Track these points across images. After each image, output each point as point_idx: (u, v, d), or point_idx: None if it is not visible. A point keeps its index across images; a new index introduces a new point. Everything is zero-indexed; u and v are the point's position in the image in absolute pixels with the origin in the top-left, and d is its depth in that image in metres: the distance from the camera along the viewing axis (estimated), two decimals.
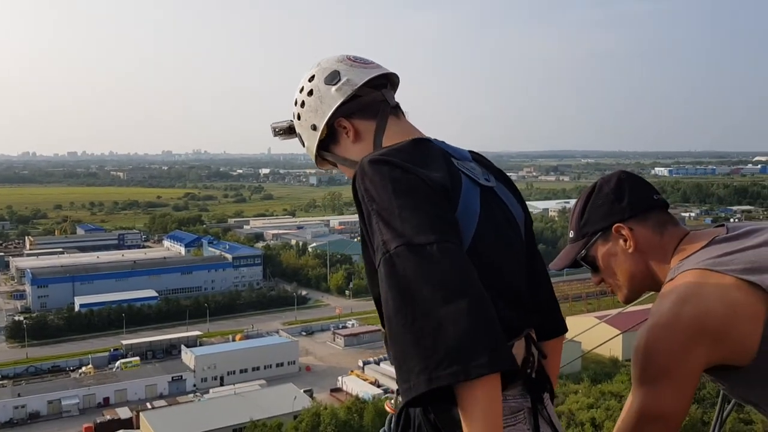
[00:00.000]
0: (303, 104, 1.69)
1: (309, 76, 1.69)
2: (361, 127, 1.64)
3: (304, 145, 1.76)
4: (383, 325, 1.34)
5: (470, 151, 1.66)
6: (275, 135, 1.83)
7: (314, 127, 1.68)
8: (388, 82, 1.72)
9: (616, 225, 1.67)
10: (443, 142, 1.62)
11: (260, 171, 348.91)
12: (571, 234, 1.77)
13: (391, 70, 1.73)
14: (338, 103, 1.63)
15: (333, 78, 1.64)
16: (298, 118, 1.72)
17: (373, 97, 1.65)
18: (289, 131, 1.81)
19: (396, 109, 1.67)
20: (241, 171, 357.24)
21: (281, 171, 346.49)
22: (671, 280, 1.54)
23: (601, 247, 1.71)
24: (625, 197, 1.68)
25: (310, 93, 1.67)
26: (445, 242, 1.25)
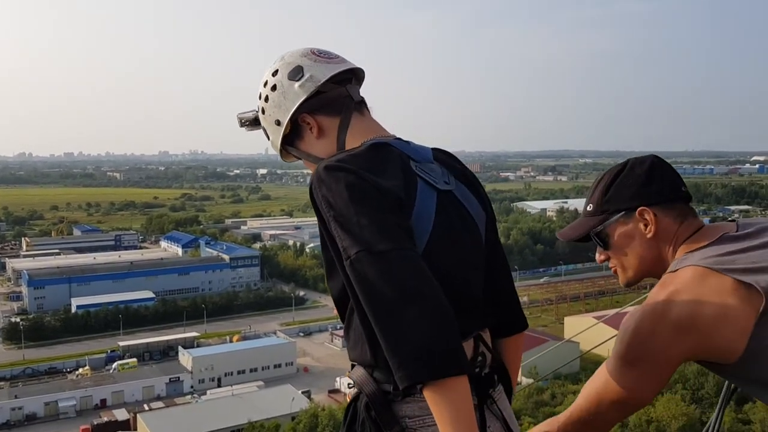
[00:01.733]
0: (267, 99, 1.68)
1: (272, 71, 1.67)
2: (324, 123, 1.64)
3: (269, 139, 1.73)
4: (342, 321, 1.52)
5: (435, 149, 1.65)
6: (241, 126, 1.80)
7: (278, 122, 1.68)
8: (353, 76, 1.70)
9: (641, 208, 1.66)
10: (407, 142, 1.62)
11: (257, 171, 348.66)
12: (589, 207, 1.75)
13: (357, 64, 1.70)
14: (301, 100, 1.62)
15: (296, 74, 1.63)
16: (263, 112, 1.70)
17: (337, 93, 1.64)
18: (255, 122, 1.77)
19: (360, 105, 1.67)
20: (238, 171, 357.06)
21: (278, 171, 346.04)
22: (674, 271, 1.57)
23: (620, 226, 1.69)
24: (656, 183, 1.67)
25: (274, 88, 1.66)
26: (401, 249, 1.31)
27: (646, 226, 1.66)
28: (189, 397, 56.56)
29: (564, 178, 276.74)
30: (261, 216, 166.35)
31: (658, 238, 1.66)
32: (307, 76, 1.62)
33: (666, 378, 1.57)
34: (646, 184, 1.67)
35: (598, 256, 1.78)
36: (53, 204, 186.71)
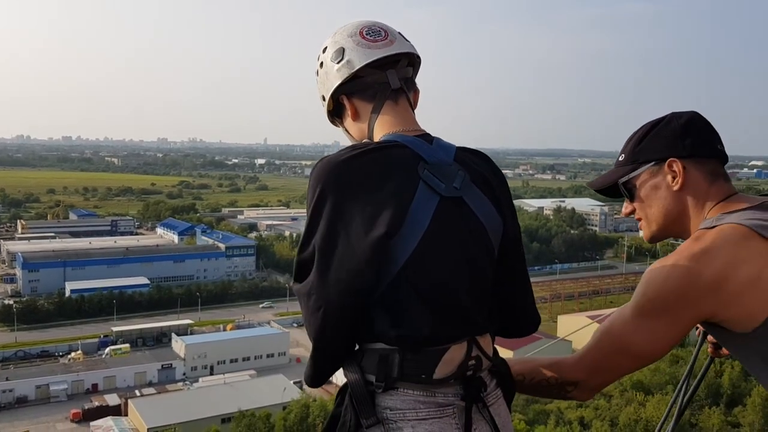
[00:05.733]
0: (317, 72, 1.71)
1: (324, 47, 1.69)
2: (359, 107, 1.65)
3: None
4: None
5: (460, 148, 1.61)
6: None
7: (323, 98, 1.71)
8: (404, 59, 1.66)
9: (671, 159, 1.62)
10: (427, 140, 1.58)
11: (256, 161, 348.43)
12: (621, 157, 1.71)
13: (408, 48, 1.66)
14: (337, 83, 1.63)
15: (338, 56, 1.63)
16: (317, 84, 1.74)
17: (374, 78, 1.63)
18: None
19: (397, 93, 1.64)
20: (236, 160, 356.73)
21: (277, 161, 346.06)
22: (710, 228, 1.51)
23: (648, 177, 1.66)
24: (690, 136, 1.63)
25: (321, 65, 1.68)
26: (315, 297, 1.43)
27: (673, 178, 1.62)
28: (181, 384, 56.66)
29: (562, 177, 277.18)
30: (258, 206, 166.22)
31: (685, 193, 1.62)
32: (345, 60, 1.62)
33: (680, 336, 1.52)
34: (680, 137, 1.63)
35: (625, 209, 1.76)
36: (50, 187, 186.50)
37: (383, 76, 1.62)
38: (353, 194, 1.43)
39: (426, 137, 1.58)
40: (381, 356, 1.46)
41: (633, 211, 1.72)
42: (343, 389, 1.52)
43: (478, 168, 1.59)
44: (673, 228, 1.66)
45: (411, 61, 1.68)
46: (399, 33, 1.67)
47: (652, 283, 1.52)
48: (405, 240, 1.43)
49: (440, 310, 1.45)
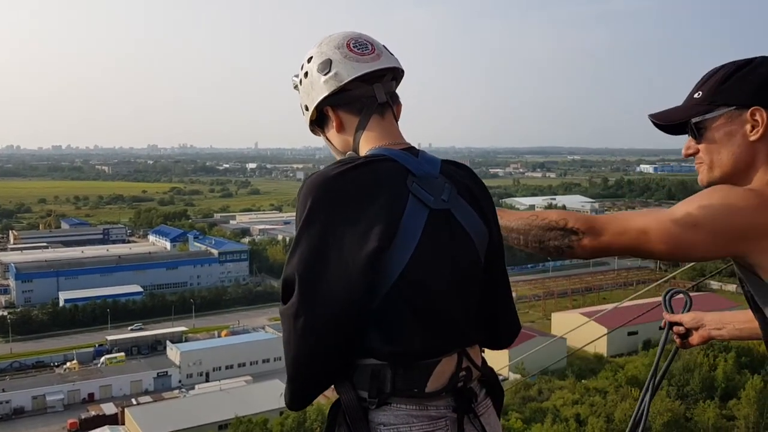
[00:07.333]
0: (301, 82, 1.70)
1: (309, 56, 1.67)
2: (345, 119, 1.64)
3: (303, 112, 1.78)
4: None
5: (444, 161, 1.62)
6: (294, 88, 1.80)
7: (306, 108, 1.70)
8: (390, 73, 1.67)
9: (755, 107, 1.53)
10: (413, 154, 1.59)
11: (247, 165, 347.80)
12: (698, 94, 1.61)
13: (395, 63, 1.67)
14: (324, 96, 1.62)
15: (324, 67, 1.62)
16: (298, 91, 1.73)
17: (361, 92, 1.62)
18: None
19: (383, 107, 1.64)
20: (227, 165, 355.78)
21: (268, 166, 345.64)
22: None
23: (724, 121, 1.57)
24: None
25: (306, 75, 1.66)
26: (301, 306, 1.41)
27: (753, 128, 1.54)
28: (177, 391, 56.55)
29: (553, 175, 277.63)
30: (250, 210, 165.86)
31: (762, 145, 1.54)
32: (332, 72, 1.60)
33: (714, 256, 1.51)
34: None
35: (687, 149, 1.67)
36: (41, 197, 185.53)
37: (370, 90, 1.62)
38: (344, 209, 1.43)
39: (411, 150, 1.60)
40: (373, 372, 1.46)
41: (695, 153, 1.65)
42: (336, 406, 1.51)
43: (463, 180, 1.61)
44: (736, 178, 1.57)
45: (395, 75, 1.69)
46: (384, 47, 1.69)
47: (713, 197, 1.48)
48: (397, 253, 1.43)
49: (433, 323, 1.46)
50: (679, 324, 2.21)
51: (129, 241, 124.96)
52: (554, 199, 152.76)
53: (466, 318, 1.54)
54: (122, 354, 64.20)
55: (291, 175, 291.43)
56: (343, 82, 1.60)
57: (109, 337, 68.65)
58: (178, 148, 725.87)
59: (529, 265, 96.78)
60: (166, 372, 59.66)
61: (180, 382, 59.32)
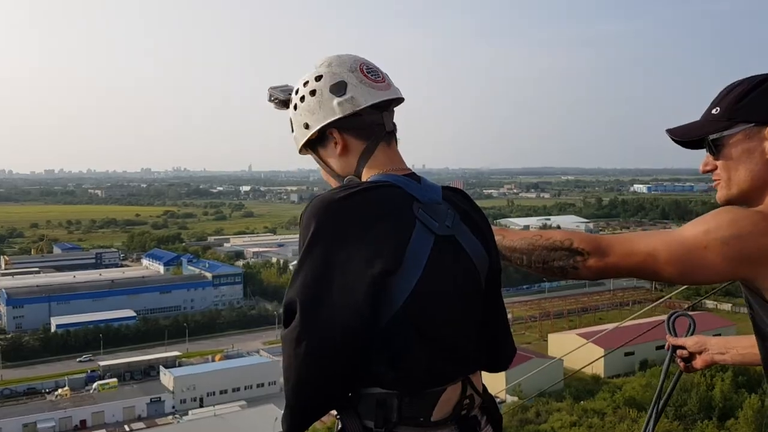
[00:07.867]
0: (303, 99, 1.66)
1: (317, 75, 1.64)
2: (351, 144, 1.63)
3: (292, 130, 1.72)
4: None
5: (445, 188, 1.64)
6: (269, 101, 1.77)
7: (306, 126, 1.66)
8: (394, 101, 1.69)
9: None
10: (417, 180, 1.60)
11: (241, 188, 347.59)
12: (716, 110, 1.58)
13: (399, 94, 1.70)
14: (336, 117, 1.61)
15: (339, 89, 1.60)
16: (295, 108, 1.69)
17: (372, 119, 1.63)
18: (284, 105, 1.75)
19: (389, 136, 1.66)
20: (221, 188, 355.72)
21: (262, 188, 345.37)
22: None
23: (742, 137, 1.54)
24: None
25: (313, 93, 1.63)
26: (303, 330, 1.39)
27: None
28: (170, 417, 55.91)
29: (547, 195, 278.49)
30: (244, 233, 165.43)
31: None
32: (348, 96, 1.60)
33: (723, 279, 1.52)
34: None
35: (704, 165, 1.64)
36: (33, 221, 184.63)
37: (380, 117, 1.63)
38: (349, 233, 1.43)
39: (413, 177, 1.61)
40: (378, 401, 1.45)
41: (713, 169, 1.62)
42: None
43: (463, 206, 1.63)
44: (754, 196, 1.55)
45: (397, 104, 1.71)
46: (386, 74, 1.70)
47: (717, 217, 1.49)
48: (404, 278, 1.43)
49: (438, 348, 1.47)
50: (683, 347, 2.17)
51: (122, 265, 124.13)
52: (549, 219, 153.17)
53: (470, 344, 1.56)
54: (115, 380, 63.47)
55: (285, 197, 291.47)
56: (360, 108, 1.60)
57: (102, 363, 67.94)
58: (171, 172, 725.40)
59: (524, 286, 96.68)
60: (160, 398, 58.96)
61: (173, 407, 58.60)
